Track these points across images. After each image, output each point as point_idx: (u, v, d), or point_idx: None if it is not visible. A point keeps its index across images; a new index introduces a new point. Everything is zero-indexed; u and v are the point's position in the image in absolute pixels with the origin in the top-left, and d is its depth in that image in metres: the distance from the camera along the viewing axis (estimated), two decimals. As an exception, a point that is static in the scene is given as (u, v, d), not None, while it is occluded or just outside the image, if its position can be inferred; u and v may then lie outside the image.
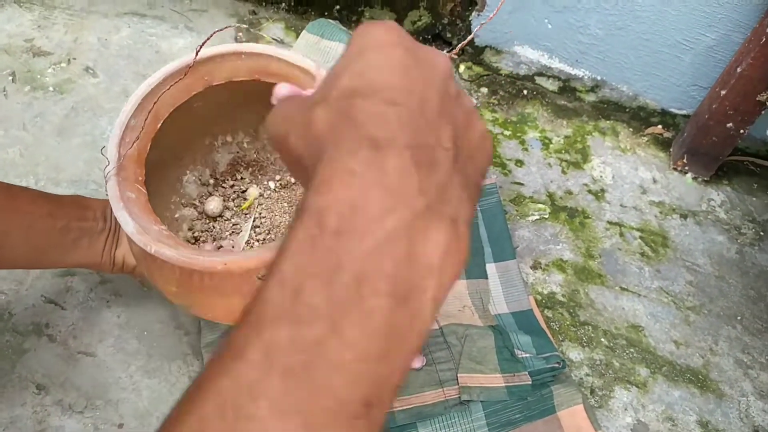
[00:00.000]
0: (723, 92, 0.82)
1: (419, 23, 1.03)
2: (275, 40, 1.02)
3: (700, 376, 0.75)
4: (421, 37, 1.04)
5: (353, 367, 0.22)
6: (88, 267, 0.66)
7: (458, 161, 0.26)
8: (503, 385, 0.68)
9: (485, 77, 1.02)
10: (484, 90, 1.00)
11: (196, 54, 0.58)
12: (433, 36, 1.04)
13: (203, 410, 0.22)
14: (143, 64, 0.97)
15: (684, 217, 0.88)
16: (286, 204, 0.77)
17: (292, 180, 0.78)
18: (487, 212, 0.81)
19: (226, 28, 0.53)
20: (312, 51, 0.91)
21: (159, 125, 0.61)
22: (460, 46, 0.58)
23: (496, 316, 0.75)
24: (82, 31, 1.00)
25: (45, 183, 0.83)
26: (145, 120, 0.59)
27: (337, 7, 1.06)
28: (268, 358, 0.22)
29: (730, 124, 0.84)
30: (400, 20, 1.04)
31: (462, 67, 1.02)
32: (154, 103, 0.59)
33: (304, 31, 0.93)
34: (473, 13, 0.96)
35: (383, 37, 0.27)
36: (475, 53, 1.02)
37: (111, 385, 0.68)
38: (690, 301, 0.81)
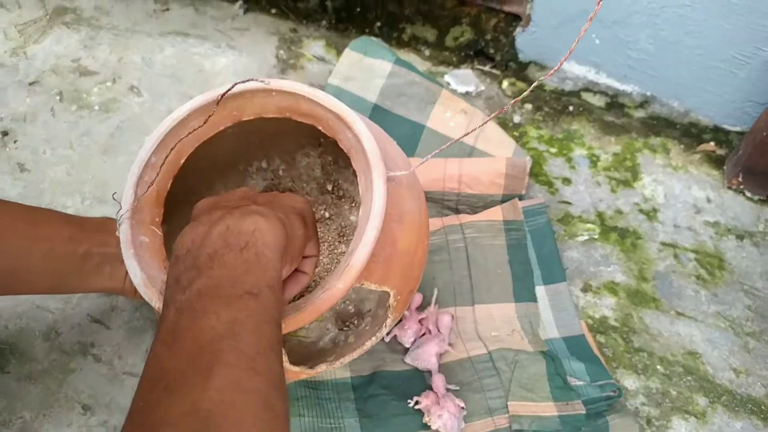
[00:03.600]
0: (783, 108, 0.79)
1: (461, 39, 1.02)
2: (316, 57, 1.02)
3: (762, 407, 0.71)
4: (463, 53, 1.03)
5: (227, 282, 0.38)
6: (110, 292, 0.65)
7: (248, 203, 0.46)
8: (556, 414, 0.65)
9: (529, 93, 0.99)
10: (529, 106, 0.98)
11: (222, 96, 0.54)
12: (475, 52, 1.03)
13: (156, 345, 0.37)
14: (187, 83, 0.98)
15: (740, 238, 0.85)
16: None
17: (327, 215, 0.76)
18: (535, 233, 0.79)
19: (248, 80, 0.50)
20: (356, 69, 0.90)
21: (182, 161, 0.57)
22: (521, 97, 0.54)
23: (547, 341, 0.72)
24: (127, 50, 1.02)
25: (91, 201, 0.83)
26: (166, 157, 0.55)
27: (378, 24, 1.06)
28: (177, 312, 0.37)
29: (790, 142, 0.81)
30: (442, 36, 1.03)
31: (505, 83, 1.00)
32: (177, 143, 0.55)
33: (347, 49, 0.92)
34: (517, 29, 0.95)
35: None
36: (518, 69, 1.00)
37: (156, 407, 0.68)
38: (749, 327, 0.77)
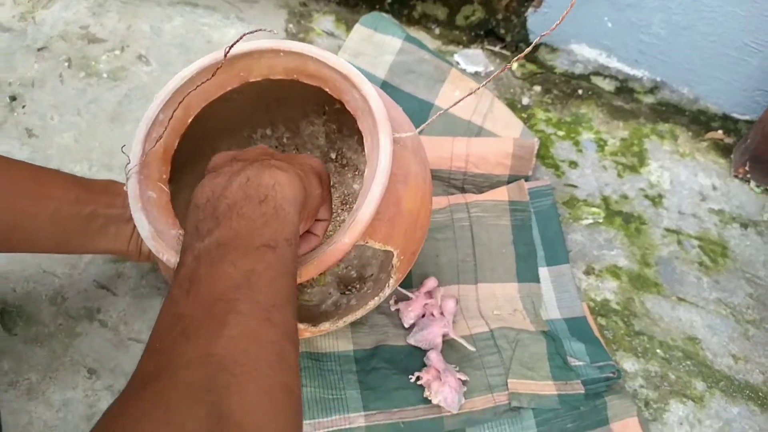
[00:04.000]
0: (794, 98, 0.79)
1: (472, 18, 1.01)
2: (326, 32, 1.01)
3: (760, 394, 0.72)
4: (473, 33, 1.02)
5: (245, 233, 0.39)
6: (115, 254, 0.65)
7: (268, 158, 0.46)
8: (555, 393, 0.66)
9: (539, 75, 0.99)
10: (537, 88, 0.98)
11: (226, 54, 0.53)
12: (486, 32, 1.02)
13: (173, 289, 0.38)
14: (195, 53, 0.97)
15: (745, 226, 0.85)
16: None
17: (330, 182, 0.75)
18: (540, 214, 0.79)
19: (256, 31, 0.49)
20: (366, 44, 0.90)
21: (190, 120, 0.58)
22: (518, 57, 0.54)
23: (548, 322, 0.73)
24: (136, 19, 1.01)
25: (98, 168, 0.84)
26: (173, 114, 0.55)
27: (389, 0, 1.05)
28: (196, 260, 0.38)
29: (799, 132, 0.81)
30: (452, 15, 1.02)
31: (515, 65, 1.00)
32: (184, 97, 0.56)
33: (357, 24, 0.92)
34: (529, 9, 0.94)
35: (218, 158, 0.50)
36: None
37: (160, 373, 0.68)
38: (749, 315, 0.78)
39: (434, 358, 0.66)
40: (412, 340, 0.69)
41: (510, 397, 0.65)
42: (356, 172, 0.76)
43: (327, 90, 0.57)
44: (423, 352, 0.69)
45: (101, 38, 0.98)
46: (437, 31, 1.04)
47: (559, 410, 0.66)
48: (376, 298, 0.57)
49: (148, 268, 0.76)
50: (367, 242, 0.52)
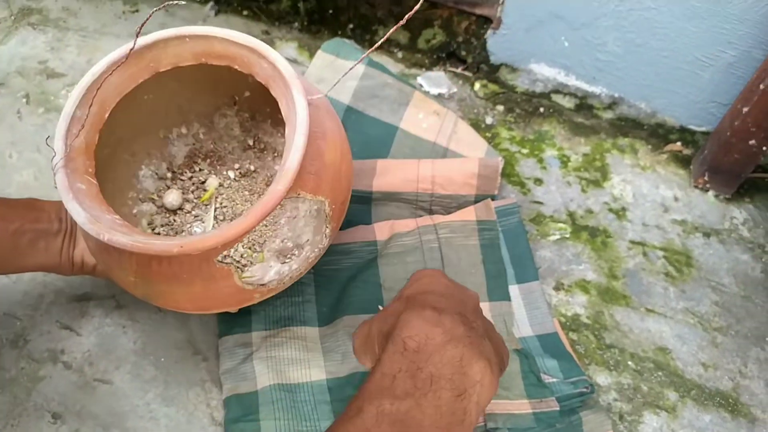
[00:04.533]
0: (745, 109, 0.81)
1: (433, 41, 1.03)
2: (288, 59, 1.02)
3: (730, 400, 0.73)
4: (435, 56, 1.04)
5: (427, 425, 0.39)
6: (47, 270, 0.64)
7: (484, 336, 0.48)
8: (530, 411, 0.66)
9: (501, 95, 1.01)
10: (500, 108, 0.99)
11: (137, 36, 0.56)
12: (447, 54, 1.04)
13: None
14: (157, 84, 0.96)
15: (707, 235, 0.87)
16: (246, 192, 0.76)
17: (252, 168, 0.78)
18: (508, 232, 0.80)
19: (167, 4, 0.52)
20: (328, 70, 0.90)
21: (106, 115, 0.60)
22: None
23: (521, 339, 0.73)
24: (96, 52, 1.00)
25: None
26: (89, 109, 0.58)
27: (351, 26, 1.06)
28: (378, 417, 0.38)
29: (752, 141, 0.83)
30: (414, 38, 1.03)
31: (477, 85, 1.01)
32: (97, 89, 0.58)
33: (319, 51, 0.92)
34: (489, 31, 0.96)
35: (430, 272, 0.56)
36: (490, 71, 1.01)
37: (128, 413, 0.67)
38: (716, 322, 0.79)
39: None
40: None
41: (486, 418, 0.65)
42: (275, 154, 0.79)
43: (236, 67, 0.61)
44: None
45: (60, 73, 0.97)
46: (399, 54, 1.05)
47: (535, 429, 0.65)
48: (317, 250, 0.60)
49: (113, 306, 0.74)
50: (299, 194, 0.56)
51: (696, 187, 0.92)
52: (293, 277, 0.60)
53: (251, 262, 0.56)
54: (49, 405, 0.67)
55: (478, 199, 0.81)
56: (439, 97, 0.99)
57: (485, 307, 0.75)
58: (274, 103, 0.60)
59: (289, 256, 0.59)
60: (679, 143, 0.96)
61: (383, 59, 1.02)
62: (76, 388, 0.68)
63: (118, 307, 0.74)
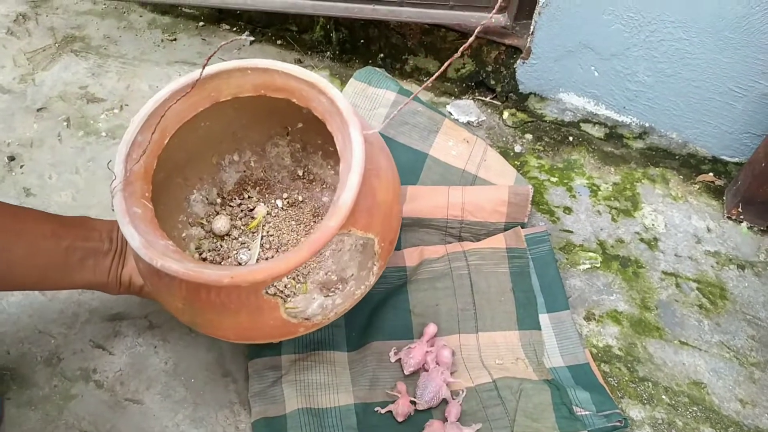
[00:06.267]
0: (780, 140, 0.80)
1: (463, 71, 1.04)
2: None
3: (769, 439, 0.71)
4: (464, 84, 1.05)
5: None
6: (95, 288, 0.65)
7: None
8: (562, 444, 0.65)
9: (529, 124, 1.01)
10: (529, 136, 1.00)
11: (203, 68, 0.58)
12: (476, 83, 1.05)
13: None
14: (192, 110, 0.99)
15: (742, 267, 0.85)
16: (293, 222, 0.77)
17: (300, 198, 0.79)
18: (538, 260, 0.79)
19: (232, 41, 0.53)
20: (360, 97, 0.92)
21: (166, 142, 0.62)
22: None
23: (552, 370, 0.72)
24: (134, 78, 1.03)
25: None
26: (152, 135, 0.59)
27: (381, 55, 1.08)
28: None
29: (788, 173, 0.82)
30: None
31: (506, 114, 1.02)
32: (161, 117, 0.60)
33: (352, 79, 0.94)
34: (518, 62, 0.97)
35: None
36: (519, 100, 1.02)
37: (157, 434, 0.67)
38: (753, 357, 0.77)
39: (454, 412, 0.65)
40: (423, 406, 0.67)
41: (516, 450, 0.64)
42: (323, 186, 0.80)
43: (294, 100, 0.62)
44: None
45: (100, 98, 1.00)
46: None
47: (567, 462, 0.64)
48: (363, 287, 0.60)
49: (146, 326, 0.75)
50: (350, 230, 0.56)
51: (729, 218, 0.90)
52: (338, 312, 0.59)
53: (294, 293, 0.57)
54: (80, 423, 0.67)
55: (507, 227, 0.81)
56: (467, 125, 1.00)
57: (515, 336, 0.74)
58: (326, 136, 0.60)
59: (332, 289, 0.59)
60: (711, 174, 0.95)
61: (413, 88, 1.04)
62: (107, 408, 0.68)
63: (150, 327, 0.75)
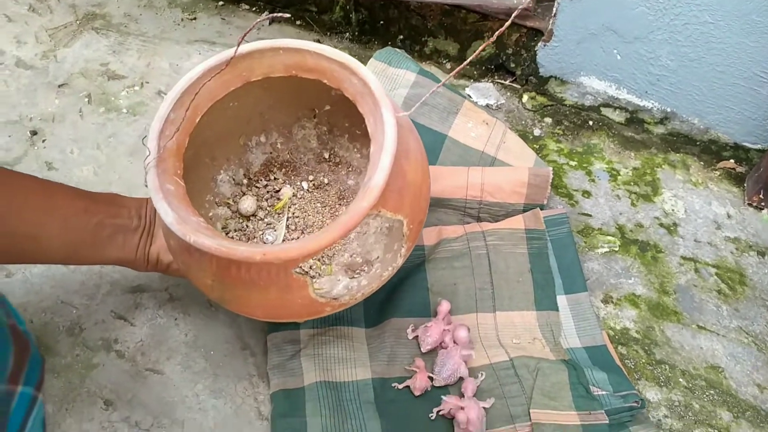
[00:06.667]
0: (805, 126, 0.79)
1: (483, 53, 1.04)
2: (339, 67, 1.03)
3: (787, 424, 0.70)
4: (484, 67, 1.04)
5: None
6: (123, 264, 0.66)
7: None
8: (579, 423, 0.65)
9: (549, 107, 1.01)
10: (548, 120, 0.99)
11: (237, 47, 0.57)
12: (496, 66, 1.04)
13: None
14: (212, 88, 0.99)
15: (762, 254, 0.85)
16: (319, 204, 0.77)
17: (326, 180, 0.79)
18: (557, 242, 0.79)
19: (265, 18, 0.53)
20: (380, 78, 0.92)
21: (198, 120, 0.62)
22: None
23: (568, 350, 0.72)
24: (155, 56, 1.04)
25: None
26: (186, 113, 0.59)
27: (401, 37, 1.08)
28: None
29: (812, 159, 0.81)
30: (463, 50, 1.04)
31: (525, 97, 1.01)
32: (195, 95, 0.60)
33: (371, 59, 0.94)
34: (539, 44, 0.96)
35: None
36: (539, 83, 1.01)
37: (177, 404, 0.68)
38: (772, 343, 0.77)
39: (470, 388, 0.65)
40: (441, 382, 0.67)
41: (533, 428, 0.64)
42: (349, 169, 0.79)
43: (325, 81, 0.62)
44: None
45: (121, 75, 1.01)
46: (448, 65, 1.06)
47: (584, 441, 0.64)
48: (390, 269, 0.60)
49: (166, 298, 0.76)
50: (380, 211, 0.56)
51: (750, 205, 0.90)
52: (365, 293, 0.59)
53: (319, 274, 0.57)
54: (102, 392, 0.68)
55: (526, 209, 0.81)
56: (486, 108, 0.99)
57: (532, 316, 0.74)
58: (353, 118, 0.60)
59: (358, 271, 0.59)
60: (732, 161, 0.94)
61: (432, 70, 1.03)
62: (128, 377, 0.69)
63: (171, 300, 0.75)
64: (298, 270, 0.56)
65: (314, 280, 0.56)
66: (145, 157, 0.56)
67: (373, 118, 0.58)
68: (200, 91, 0.60)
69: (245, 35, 0.52)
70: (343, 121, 0.77)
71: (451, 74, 0.53)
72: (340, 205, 0.77)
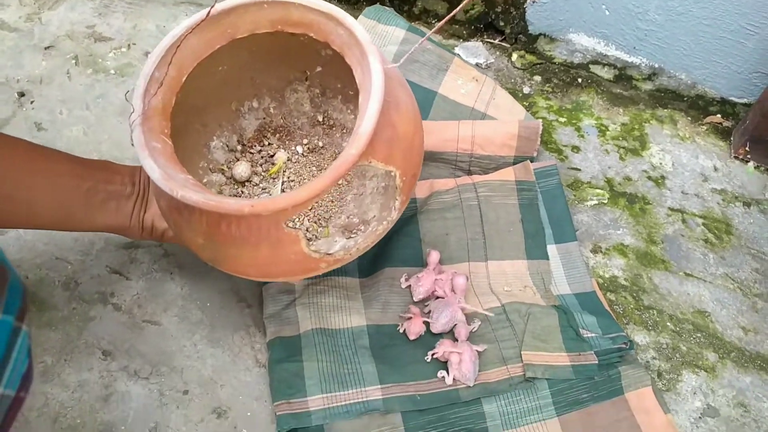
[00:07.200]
0: (790, 76, 0.81)
1: (472, 12, 1.04)
2: (329, 28, 1.03)
3: (770, 364, 0.73)
4: (473, 27, 1.04)
5: None
6: (117, 231, 0.65)
7: None
8: (569, 363, 0.66)
9: (538, 65, 1.01)
10: (538, 78, 0.99)
11: (209, 12, 0.57)
12: (485, 25, 1.04)
13: None
14: (201, 49, 0.98)
15: (747, 205, 0.86)
16: (314, 168, 0.77)
17: (320, 144, 0.79)
18: (547, 193, 0.80)
19: None
20: (369, 35, 0.91)
21: (183, 79, 0.60)
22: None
23: (559, 297, 0.73)
24: (141, 18, 1.03)
25: (108, 159, 0.84)
26: (167, 70, 0.59)
27: (390, -3, 1.07)
28: None
29: (797, 110, 0.82)
30: (452, 9, 1.04)
31: (515, 56, 1.02)
32: (176, 49, 0.59)
33: (360, 16, 0.93)
34: (528, 2, 0.96)
35: None
36: (528, 42, 1.01)
37: (175, 353, 0.69)
38: (757, 288, 0.78)
39: (464, 332, 0.67)
40: (438, 329, 0.68)
41: (525, 368, 0.66)
42: (344, 131, 0.79)
43: (312, 34, 0.61)
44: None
45: (107, 37, 1.00)
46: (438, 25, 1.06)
47: (574, 381, 0.66)
48: (385, 223, 0.60)
49: (161, 253, 0.76)
50: (370, 162, 0.55)
51: (736, 157, 0.91)
52: (360, 249, 0.59)
53: (316, 236, 0.57)
54: (100, 343, 0.69)
55: (516, 161, 0.81)
56: (476, 67, 1.00)
57: (523, 265, 0.75)
58: (345, 79, 0.59)
59: (354, 231, 0.59)
60: (719, 115, 0.96)
61: (422, 29, 1.03)
62: (126, 328, 0.70)
63: (166, 255, 0.76)
64: (290, 224, 0.55)
65: (311, 243, 0.56)
66: (130, 114, 0.56)
67: (360, 68, 0.57)
68: (185, 50, 0.59)
69: None
70: (335, 82, 0.76)
71: (439, 24, 0.53)
72: None
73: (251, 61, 0.70)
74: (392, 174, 0.58)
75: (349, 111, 0.79)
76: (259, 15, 0.61)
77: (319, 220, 0.58)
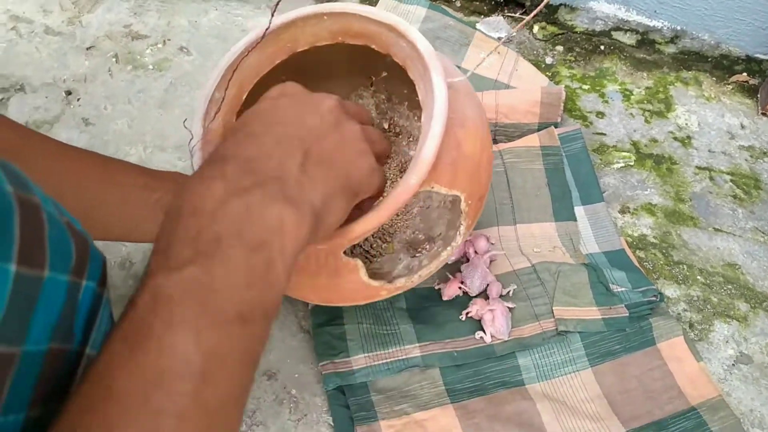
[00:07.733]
0: (815, 27, 0.80)
1: (491, -12, 1.05)
2: (352, 13, 1.06)
3: (803, 313, 0.73)
4: (493, 2, 1.06)
5: (221, 289, 0.32)
6: None
7: (307, 168, 0.38)
8: (600, 317, 0.68)
9: (560, 36, 1.02)
10: (560, 48, 1.01)
11: (272, 15, 0.55)
12: (505, 0, 1.06)
13: (114, 344, 0.32)
14: (232, 41, 1.02)
15: (776, 160, 0.86)
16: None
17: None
18: (572, 157, 0.82)
19: None
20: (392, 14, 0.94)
21: (244, 97, 0.59)
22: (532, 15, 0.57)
23: (588, 255, 0.75)
24: (174, 15, 1.08)
25: (152, 149, 0.89)
26: (225, 90, 0.57)
27: (410, -22, 1.10)
28: (155, 297, 0.32)
29: (823, 61, 0.82)
30: (472, -14, 1.06)
31: (536, 28, 1.03)
32: (234, 71, 0.57)
33: (383, -3, 0.96)
34: (546, -28, 0.97)
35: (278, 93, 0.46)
36: (548, 13, 1.03)
37: (225, 322, 0.73)
38: (788, 241, 0.79)
39: (494, 290, 0.69)
40: (474, 292, 0.70)
41: (556, 322, 0.68)
42: (410, 139, 0.77)
43: (374, 46, 0.58)
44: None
45: (144, 34, 1.05)
46: (458, 3, 1.08)
47: (605, 333, 0.68)
48: (449, 248, 0.56)
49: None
50: (432, 187, 0.51)
51: (764, 114, 0.91)
52: (422, 275, 0.55)
53: (380, 253, 0.55)
54: (155, 316, 0.74)
55: (540, 127, 0.83)
56: (498, 41, 1.02)
57: (551, 227, 0.78)
58: (411, 85, 0.56)
59: (419, 249, 0.57)
60: (744, 74, 0.95)
61: (442, 7, 1.05)
62: (178, 302, 0.75)
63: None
64: (351, 251, 0.53)
65: (375, 259, 0.53)
66: (189, 140, 0.54)
67: (423, 84, 0.53)
68: (244, 67, 0.57)
69: (277, 5, 0.51)
70: (401, 88, 0.72)
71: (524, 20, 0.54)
72: (401, 177, 0.73)
73: (313, 68, 0.65)
74: (457, 199, 0.54)
75: (416, 118, 0.76)
76: (319, 27, 0.59)
77: (383, 235, 0.56)
